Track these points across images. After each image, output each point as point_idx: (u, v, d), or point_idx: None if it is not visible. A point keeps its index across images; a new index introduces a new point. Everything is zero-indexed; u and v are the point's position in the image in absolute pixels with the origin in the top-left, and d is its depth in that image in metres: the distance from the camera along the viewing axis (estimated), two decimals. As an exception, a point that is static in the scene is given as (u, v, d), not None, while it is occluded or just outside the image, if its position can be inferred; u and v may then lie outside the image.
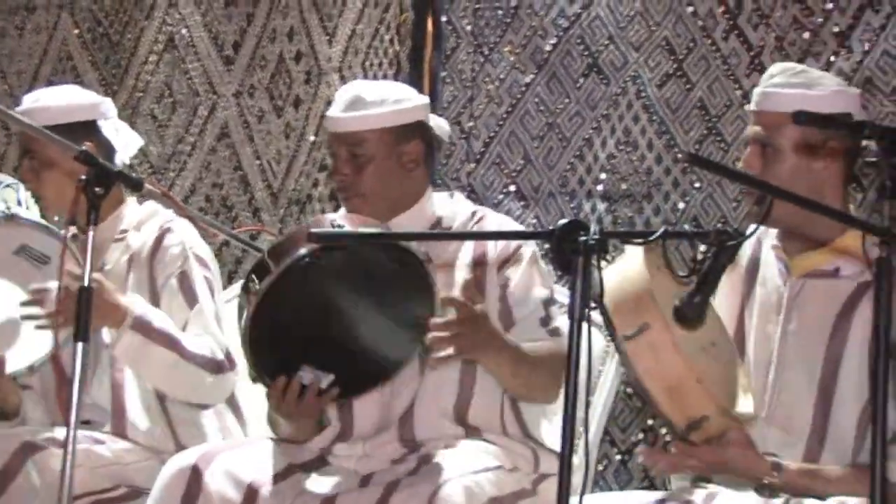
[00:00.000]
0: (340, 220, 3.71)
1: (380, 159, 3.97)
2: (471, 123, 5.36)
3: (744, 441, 3.30)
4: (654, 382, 3.11)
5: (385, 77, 5.48)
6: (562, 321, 3.94)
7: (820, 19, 4.70)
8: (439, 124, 4.14)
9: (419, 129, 4.03)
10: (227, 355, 4.12)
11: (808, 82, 3.51)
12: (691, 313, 3.18)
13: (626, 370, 3.13)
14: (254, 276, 3.62)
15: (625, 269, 3.10)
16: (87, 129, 4.30)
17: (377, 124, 3.97)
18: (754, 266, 3.66)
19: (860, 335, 3.41)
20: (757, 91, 3.59)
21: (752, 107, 3.59)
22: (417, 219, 4.01)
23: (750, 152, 3.56)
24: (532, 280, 3.96)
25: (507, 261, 3.96)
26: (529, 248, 4.00)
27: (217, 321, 4.19)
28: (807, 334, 3.50)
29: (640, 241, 3.18)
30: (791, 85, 3.51)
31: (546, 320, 3.94)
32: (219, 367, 4.12)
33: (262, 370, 3.68)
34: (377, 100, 3.98)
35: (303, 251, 3.57)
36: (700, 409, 3.12)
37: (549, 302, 3.97)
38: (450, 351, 3.65)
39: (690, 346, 3.27)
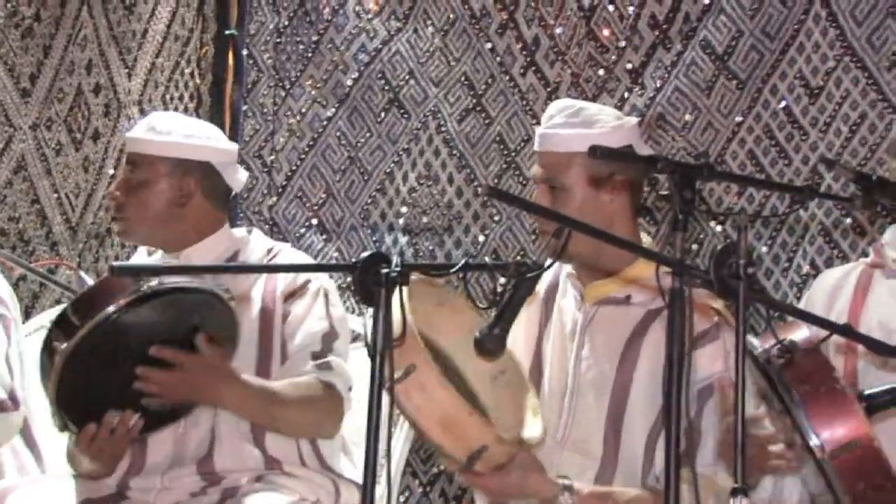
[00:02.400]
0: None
1: (152, 186, 3.97)
2: (272, 157, 5.35)
3: (530, 465, 3.35)
4: (428, 420, 3.11)
5: (186, 111, 5.44)
6: (337, 357, 3.93)
7: (614, 57, 4.82)
8: (239, 177, 4.11)
9: (203, 169, 4.01)
10: (11, 395, 4.02)
11: (586, 121, 3.58)
12: (492, 345, 3.22)
13: (400, 411, 3.13)
14: (56, 331, 3.57)
15: (402, 301, 3.10)
16: None
17: (159, 151, 3.98)
18: (552, 294, 3.73)
19: (649, 360, 3.50)
20: (538, 132, 3.66)
21: (535, 147, 3.66)
22: (211, 253, 4.00)
23: (539, 192, 3.64)
24: (311, 313, 3.95)
25: (293, 294, 3.96)
26: (317, 282, 4.00)
27: (6, 360, 4.09)
28: (598, 359, 3.58)
29: (441, 273, 3.21)
30: (570, 125, 3.58)
31: (319, 354, 3.91)
32: (0, 407, 4.03)
33: (69, 420, 3.63)
34: (168, 130, 3.99)
35: (110, 309, 3.53)
36: (478, 440, 3.13)
37: (328, 336, 3.94)
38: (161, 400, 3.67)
39: (480, 377, 3.31)
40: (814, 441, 2.77)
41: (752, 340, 2.93)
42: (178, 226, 3.99)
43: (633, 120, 3.70)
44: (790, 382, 2.83)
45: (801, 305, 3.74)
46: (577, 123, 3.58)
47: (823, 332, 2.96)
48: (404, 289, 3.07)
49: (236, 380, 3.74)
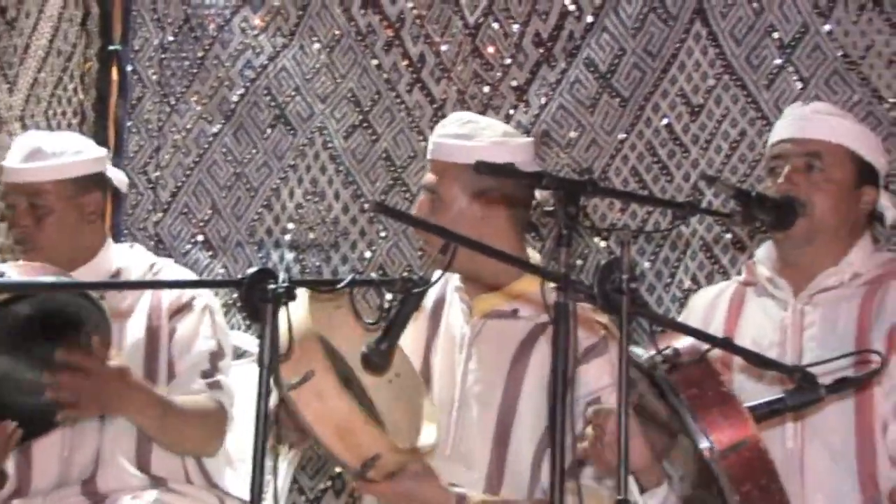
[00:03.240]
0: (10, 268, 3.62)
1: (60, 211, 3.93)
2: (157, 173, 5.32)
3: (423, 473, 3.36)
4: (323, 427, 3.12)
5: (70, 126, 5.39)
6: (226, 376, 3.93)
7: (499, 74, 4.86)
8: (117, 176, 4.12)
9: (99, 181, 4.01)
10: None
11: (470, 133, 3.62)
12: (379, 360, 3.23)
13: (295, 417, 3.13)
14: None
15: (289, 317, 3.09)
16: None
17: (57, 175, 3.93)
18: (439, 308, 3.75)
19: (536, 373, 3.53)
20: (431, 139, 3.70)
21: (428, 155, 3.70)
22: (97, 270, 3.97)
23: (421, 199, 3.66)
24: (199, 332, 3.95)
25: (179, 311, 3.95)
26: (202, 299, 3.99)
27: None
28: (486, 373, 3.60)
29: (327, 289, 3.22)
30: (456, 136, 3.63)
31: (208, 373, 3.92)
32: None
33: None
34: (57, 151, 3.94)
35: None
36: (371, 449, 3.15)
37: (215, 355, 3.95)
38: (73, 411, 3.62)
39: (375, 381, 3.32)
40: (703, 443, 2.80)
41: (636, 349, 2.96)
42: (79, 244, 3.96)
43: (523, 139, 3.73)
44: (677, 386, 2.86)
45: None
46: (461, 135, 3.61)
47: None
48: (303, 298, 3.09)
49: (141, 387, 3.71)
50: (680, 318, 3.79)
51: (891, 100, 4.35)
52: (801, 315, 3.52)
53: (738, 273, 4.37)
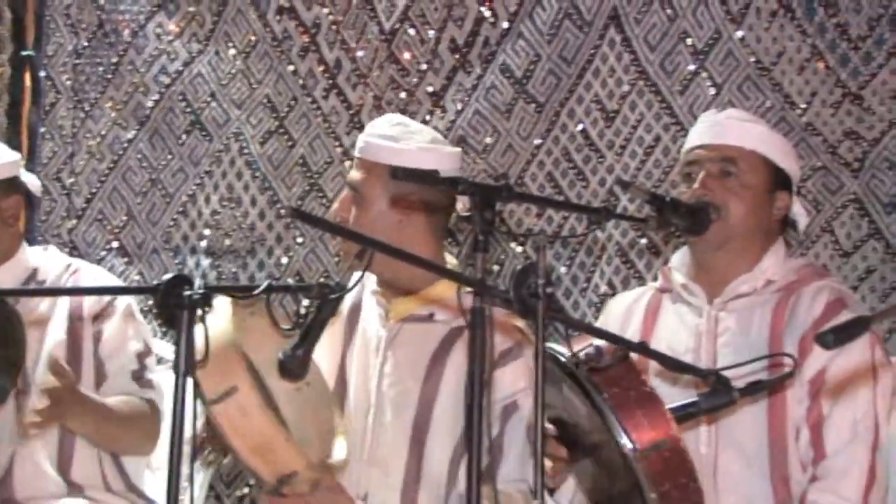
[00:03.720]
0: None
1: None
2: (71, 179, 5.27)
3: (335, 489, 3.35)
4: (242, 442, 3.10)
5: (-18, 132, 5.34)
6: (155, 374, 3.95)
7: (415, 80, 4.87)
8: (30, 181, 4.11)
9: (16, 185, 3.98)
10: None
11: (398, 136, 3.63)
12: (295, 366, 3.22)
13: (214, 430, 3.12)
14: None
15: (212, 329, 3.04)
16: None
17: None
18: (356, 312, 3.75)
19: (452, 378, 3.54)
20: (360, 137, 3.70)
21: (356, 152, 3.71)
22: (13, 272, 3.95)
23: (344, 196, 3.66)
24: (125, 333, 3.95)
25: (101, 314, 3.94)
26: (124, 301, 3.98)
27: None
28: (402, 377, 3.61)
29: (244, 295, 3.20)
30: (384, 137, 3.63)
31: (138, 373, 3.94)
32: None
33: None
34: None
35: None
36: (290, 466, 3.13)
37: (143, 355, 3.97)
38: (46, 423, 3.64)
39: (284, 388, 3.32)
40: (623, 441, 2.82)
41: (558, 348, 2.98)
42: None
43: (451, 148, 3.73)
44: (600, 385, 2.88)
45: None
46: (390, 136, 3.62)
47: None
48: (225, 306, 3.07)
49: (80, 393, 3.70)
50: (597, 324, 3.81)
51: (802, 105, 4.41)
52: (715, 321, 3.55)
53: (655, 278, 4.42)
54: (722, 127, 3.61)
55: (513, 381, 3.47)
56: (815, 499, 3.36)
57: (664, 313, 3.66)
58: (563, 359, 2.97)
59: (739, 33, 4.52)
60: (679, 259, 3.70)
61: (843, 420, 3.40)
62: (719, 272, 3.58)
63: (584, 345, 2.97)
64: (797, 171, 3.67)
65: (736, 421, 3.44)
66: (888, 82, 4.38)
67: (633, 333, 3.63)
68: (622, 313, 3.73)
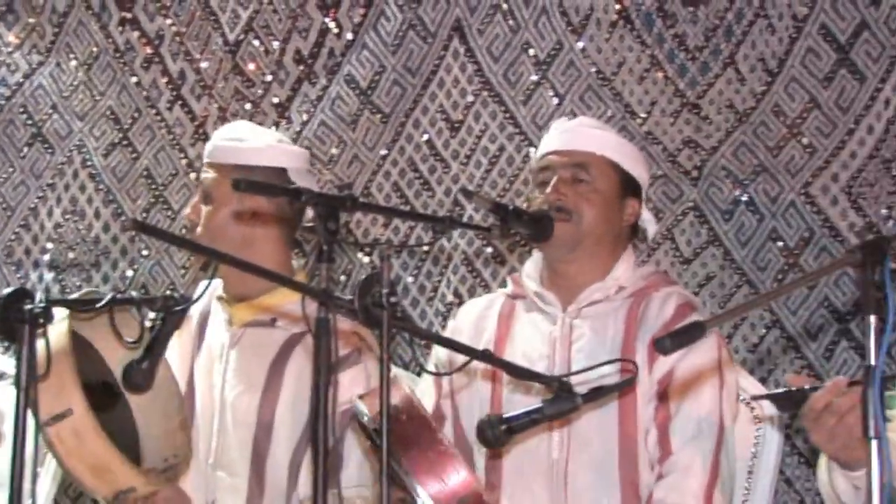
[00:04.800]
0: None
1: None
2: None
3: (175, 497, 3.33)
4: (78, 463, 3.08)
5: None
6: None
7: (260, 91, 4.86)
8: None
9: None
10: None
11: (244, 137, 3.67)
12: (140, 379, 3.19)
13: (49, 450, 3.08)
14: None
15: (51, 347, 3.00)
16: None
17: None
18: (204, 319, 3.74)
19: (293, 382, 3.55)
20: (208, 143, 3.72)
21: (205, 158, 3.70)
22: None
23: (196, 199, 3.68)
24: None
25: None
26: None
27: None
28: (243, 381, 3.61)
29: (87, 308, 3.17)
30: (231, 139, 3.67)
31: None
32: None
33: None
34: None
35: None
36: (126, 483, 3.12)
37: None
38: None
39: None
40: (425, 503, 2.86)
41: (360, 407, 3.00)
42: None
43: (298, 148, 3.74)
44: (398, 449, 2.88)
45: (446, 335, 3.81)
46: (236, 138, 3.64)
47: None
48: (64, 325, 3.03)
49: None
50: (446, 332, 3.84)
51: (642, 115, 4.48)
52: (569, 328, 3.59)
53: (502, 285, 4.47)
54: (573, 133, 3.66)
55: (352, 386, 3.48)
56: (660, 496, 3.42)
57: (518, 321, 3.69)
58: (363, 420, 2.98)
59: (580, 44, 4.59)
60: (531, 267, 3.73)
61: (689, 418, 3.46)
62: (572, 279, 3.63)
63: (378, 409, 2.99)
64: (646, 179, 3.73)
65: (586, 428, 3.49)
66: (724, 92, 4.48)
67: (487, 341, 3.66)
68: (474, 321, 3.75)
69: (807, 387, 3.00)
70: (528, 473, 3.53)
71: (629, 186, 3.65)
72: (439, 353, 3.75)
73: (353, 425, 3.44)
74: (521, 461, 3.53)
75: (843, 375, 4.28)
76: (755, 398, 3.23)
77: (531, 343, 3.62)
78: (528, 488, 3.51)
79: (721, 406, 3.49)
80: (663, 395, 3.48)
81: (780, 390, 3.12)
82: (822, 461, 3.16)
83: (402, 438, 2.90)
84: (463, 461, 2.93)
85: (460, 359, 3.58)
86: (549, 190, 3.59)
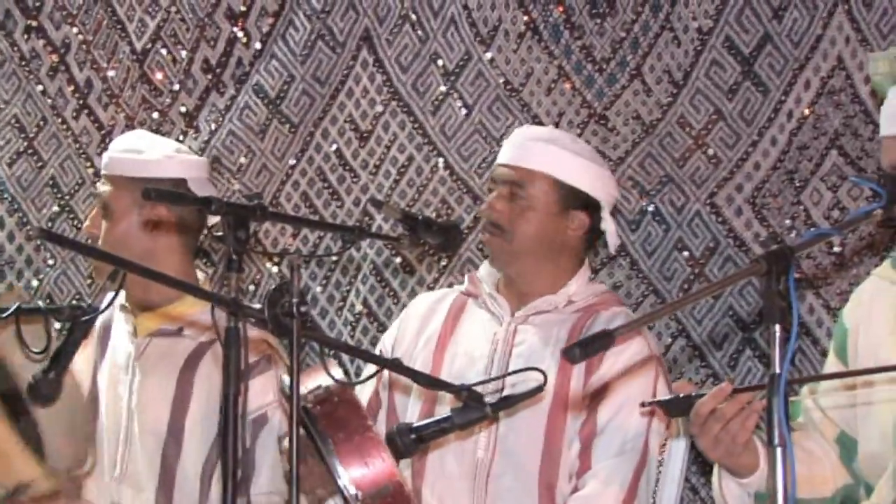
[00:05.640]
0: None
1: None
2: None
3: (73, 497, 3.32)
4: None
5: None
6: None
7: (168, 100, 4.83)
8: None
9: None
10: None
11: (140, 148, 3.66)
12: (46, 389, 3.17)
13: None
14: None
15: None
16: None
17: None
18: (106, 329, 3.72)
19: (202, 392, 3.55)
20: (104, 155, 3.73)
21: (102, 170, 3.69)
22: None
23: (94, 212, 3.70)
24: None
25: None
26: None
27: None
28: (151, 391, 3.60)
29: (-9, 318, 3.15)
30: (127, 150, 3.68)
31: None
32: None
33: None
34: None
35: None
36: (26, 475, 3.10)
37: None
38: None
39: None
40: (348, 487, 2.87)
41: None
42: None
43: (195, 156, 3.73)
44: (325, 430, 2.91)
45: (394, 329, 3.85)
46: (132, 149, 3.63)
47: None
48: None
49: None
50: (395, 324, 3.87)
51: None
52: (513, 332, 3.65)
53: (410, 295, 4.48)
54: (518, 148, 3.71)
55: (261, 393, 3.49)
56: None
57: (467, 317, 3.74)
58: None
59: (488, 55, 4.62)
60: (486, 270, 3.79)
61: (614, 436, 3.52)
62: (522, 288, 3.69)
63: (314, 386, 3.00)
64: (604, 191, 3.73)
65: (514, 430, 3.54)
66: (631, 103, 4.53)
67: (432, 331, 3.73)
68: (423, 313, 3.80)
69: (693, 393, 3.06)
70: (453, 470, 3.58)
71: (574, 200, 3.68)
72: (385, 340, 3.82)
73: (282, 409, 3.44)
74: (447, 457, 3.58)
75: (747, 384, 4.36)
76: (643, 405, 3.30)
77: (474, 342, 3.68)
78: (450, 484, 3.56)
79: (649, 430, 3.55)
80: (593, 410, 3.54)
81: (668, 397, 3.18)
82: (715, 468, 3.21)
83: (332, 420, 2.93)
84: (388, 450, 2.94)
85: (403, 346, 3.69)
86: (483, 206, 3.71)
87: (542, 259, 3.67)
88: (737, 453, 3.04)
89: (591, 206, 3.70)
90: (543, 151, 3.68)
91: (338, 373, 3.03)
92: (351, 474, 2.88)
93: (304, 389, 2.93)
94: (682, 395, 3.07)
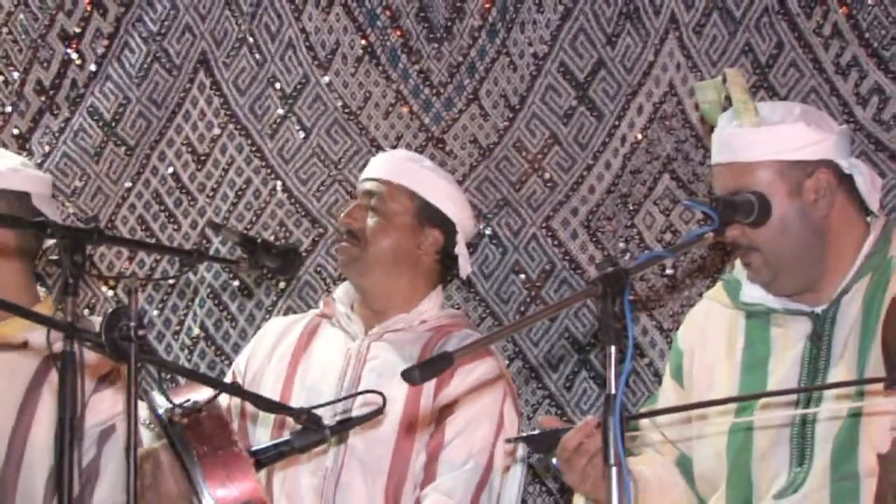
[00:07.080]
0: None
1: None
2: None
3: None
4: None
5: None
6: None
7: (0, 122, 4.75)
8: None
9: None
10: None
11: None
12: None
13: None
14: None
15: None
16: None
17: None
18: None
19: (48, 407, 3.49)
20: None
21: None
22: None
23: None
24: None
25: None
26: None
27: None
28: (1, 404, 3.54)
29: None
30: None
31: None
32: None
33: None
34: None
35: None
36: None
37: None
38: None
39: None
40: (208, 502, 2.85)
41: (158, 399, 2.98)
42: None
43: (39, 174, 3.69)
44: (190, 443, 2.89)
45: (248, 349, 3.88)
46: None
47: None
48: None
49: None
50: (249, 346, 3.90)
51: (388, 149, 4.53)
52: (367, 348, 3.71)
53: (247, 319, 4.47)
54: (383, 163, 3.84)
55: (111, 405, 3.47)
56: None
57: (320, 337, 3.80)
58: (159, 413, 2.98)
59: (326, 78, 4.63)
60: (342, 291, 3.86)
61: (459, 451, 3.58)
62: (376, 305, 3.76)
63: (183, 399, 2.99)
64: (461, 215, 3.82)
65: (364, 440, 3.59)
66: (468, 127, 4.57)
67: (286, 348, 3.78)
68: (278, 331, 3.86)
69: (559, 428, 3.09)
70: (302, 477, 3.61)
71: (431, 217, 3.77)
72: (238, 361, 3.86)
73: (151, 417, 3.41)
74: (297, 464, 3.60)
75: (582, 405, 4.42)
76: (509, 441, 3.34)
77: (328, 356, 3.74)
78: (297, 491, 3.59)
79: (493, 447, 3.61)
80: (441, 424, 3.60)
81: (535, 432, 3.20)
82: (579, 500, 3.25)
83: (198, 434, 2.91)
84: (253, 467, 2.94)
85: (256, 363, 3.76)
86: (342, 216, 3.79)
87: (395, 274, 3.74)
88: (603, 487, 3.08)
89: (446, 225, 3.77)
90: (408, 168, 3.80)
91: (203, 394, 3.00)
92: (214, 490, 2.86)
93: (177, 400, 2.93)
94: (547, 430, 3.10)
